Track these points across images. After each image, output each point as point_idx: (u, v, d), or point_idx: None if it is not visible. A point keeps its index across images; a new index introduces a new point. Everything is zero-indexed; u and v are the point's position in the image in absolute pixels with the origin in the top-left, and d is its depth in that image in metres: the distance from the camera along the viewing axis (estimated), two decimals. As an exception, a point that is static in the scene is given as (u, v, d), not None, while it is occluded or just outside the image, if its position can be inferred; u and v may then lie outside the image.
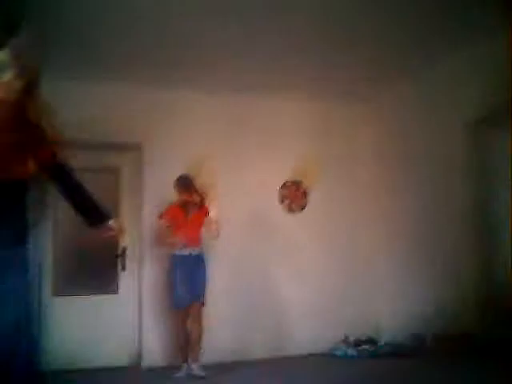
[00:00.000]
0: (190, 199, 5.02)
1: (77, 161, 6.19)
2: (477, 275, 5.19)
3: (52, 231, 5.63)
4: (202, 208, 5.08)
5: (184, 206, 5.01)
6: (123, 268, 5.77)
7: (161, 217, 5.10)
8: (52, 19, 4.31)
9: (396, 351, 5.51)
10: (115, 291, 5.75)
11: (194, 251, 4.95)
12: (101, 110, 5.66)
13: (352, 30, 4.81)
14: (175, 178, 5.05)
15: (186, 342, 4.87)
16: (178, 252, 4.94)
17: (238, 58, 5.27)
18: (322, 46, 5.08)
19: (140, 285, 5.69)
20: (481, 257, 5.23)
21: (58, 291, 5.57)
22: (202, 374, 4.73)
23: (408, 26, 4.76)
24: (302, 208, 6.36)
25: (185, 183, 5.03)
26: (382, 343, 5.87)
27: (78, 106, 5.60)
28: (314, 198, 6.40)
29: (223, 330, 5.60)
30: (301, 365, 5.37)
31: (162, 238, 5.15)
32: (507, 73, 4.66)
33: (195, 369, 4.78)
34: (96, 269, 5.78)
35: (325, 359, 5.62)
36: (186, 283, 4.83)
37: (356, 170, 6.64)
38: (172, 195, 5.03)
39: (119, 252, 5.78)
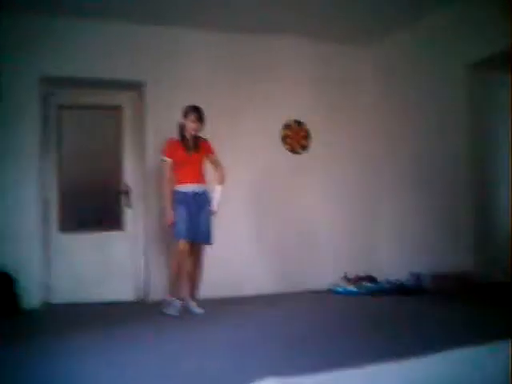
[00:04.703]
0: (198, 131, 4.75)
1: (81, 98, 6.15)
2: (475, 217, 5.28)
3: (57, 168, 5.69)
4: (204, 144, 4.83)
5: (184, 142, 4.75)
6: (128, 205, 5.86)
7: (163, 153, 4.79)
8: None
9: (395, 289, 5.64)
10: (121, 228, 5.87)
11: (199, 189, 4.78)
12: (103, 48, 5.63)
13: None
14: (187, 106, 4.77)
15: (182, 277, 4.71)
16: (181, 189, 4.71)
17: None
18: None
19: (145, 222, 5.79)
20: (479, 199, 5.31)
21: (64, 227, 5.68)
22: (201, 311, 4.67)
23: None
24: (304, 148, 6.37)
25: (200, 112, 4.73)
26: (382, 281, 6.02)
27: (81, 44, 5.55)
28: (315, 140, 6.40)
29: (222, 266, 5.66)
30: (300, 300, 5.48)
31: (164, 175, 4.80)
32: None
33: (194, 306, 4.73)
34: (102, 206, 5.89)
35: (324, 295, 5.74)
36: (189, 222, 4.62)
37: (356, 114, 6.61)
38: (174, 133, 4.86)
39: (123, 189, 5.85)
